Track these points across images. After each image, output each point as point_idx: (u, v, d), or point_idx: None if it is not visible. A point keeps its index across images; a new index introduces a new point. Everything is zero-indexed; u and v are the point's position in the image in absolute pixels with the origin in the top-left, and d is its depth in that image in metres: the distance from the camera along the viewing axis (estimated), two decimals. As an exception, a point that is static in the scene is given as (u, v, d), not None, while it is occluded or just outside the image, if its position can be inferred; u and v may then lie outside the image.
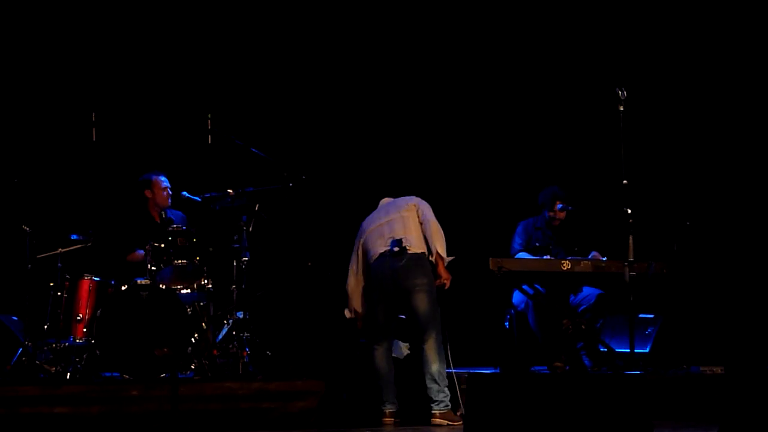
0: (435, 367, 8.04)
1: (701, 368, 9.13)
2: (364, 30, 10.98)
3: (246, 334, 8.86)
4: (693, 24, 10.80)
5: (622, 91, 7.63)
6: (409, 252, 8.14)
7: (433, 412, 8.06)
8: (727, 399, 7.86)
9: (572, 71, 10.94)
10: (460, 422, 7.93)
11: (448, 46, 11.13)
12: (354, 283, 8.46)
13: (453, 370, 8.67)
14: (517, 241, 9.63)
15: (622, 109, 7.49)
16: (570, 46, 11.02)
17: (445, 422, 8.00)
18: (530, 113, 11.09)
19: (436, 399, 8.06)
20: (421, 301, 8.10)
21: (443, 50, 11.13)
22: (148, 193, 9.37)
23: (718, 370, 9.07)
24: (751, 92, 10.64)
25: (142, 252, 8.98)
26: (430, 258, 8.19)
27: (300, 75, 10.91)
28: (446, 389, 8.06)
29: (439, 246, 8.14)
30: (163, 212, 9.18)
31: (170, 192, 9.33)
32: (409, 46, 11.07)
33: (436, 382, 8.04)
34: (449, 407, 8.05)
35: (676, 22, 10.86)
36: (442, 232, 8.19)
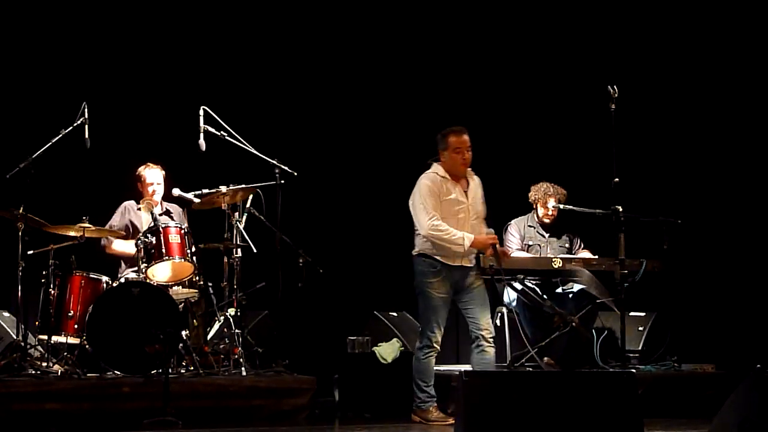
0: (413, 365, 8.17)
1: (692, 366, 9.26)
2: (358, 26, 10.98)
3: (237, 331, 8.83)
4: (684, 22, 10.79)
5: (614, 89, 7.63)
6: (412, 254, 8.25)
7: (413, 408, 8.16)
8: (719, 397, 7.82)
9: (564, 69, 10.92)
10: (437, 420, 7.99)
11: (442, 44, 11.13)
12: None
13: (444, 368, 8.69)
14: (513, 241, 9.64)
15: (613, 107, 7.49)
16: (562, 44, 11.02)
17: (418, 419, 8.09)
18: (521, 111, 11.08)
19: (414, 398, 8.17)
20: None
21: (437, 47, 11.12)
22: (139, 186, 9.40)
23: (709, 368, 9.19)
24: (743, 90, 10.61)
25: (122, 245, 9.01)
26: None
27: (292, 71, 10.90)
28: (420, 389, 8.10)
29: (437, 247, 8.06)
30: (155, 207, 9.21)
31: (159, 187, 9.33)
32: (402, 41, 11.06)
33: (413, 380, 8.15)
34: (423, 407, 8.08)
35: (667, 21, 10.85)
36: (429, 229, 8.02)
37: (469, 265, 8.12)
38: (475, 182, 8.30)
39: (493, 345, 8.05)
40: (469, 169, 8.24)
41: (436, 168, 8.18)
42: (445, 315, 8.08)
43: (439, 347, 8.07)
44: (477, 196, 8.27)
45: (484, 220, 8.31)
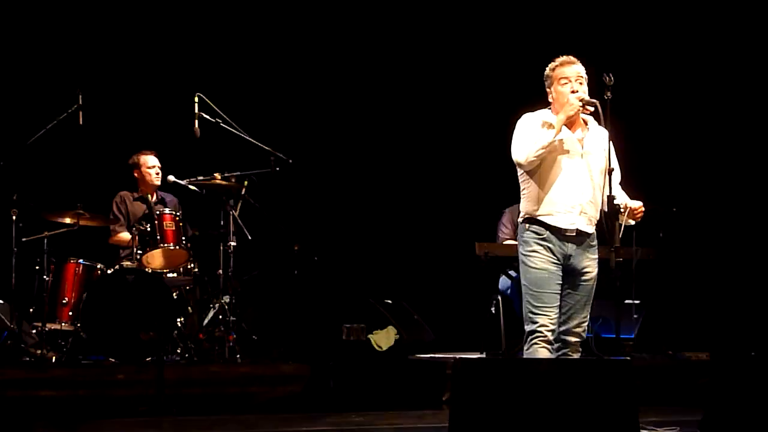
0: None
1: (686, 354, 9.26)
2: (353, 14, 10.92)
3: (232, 318, 8.86)
4: (677, 10, 10.76)
5: (610, 77, 7.62)
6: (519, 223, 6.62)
7: None
8: (712, 385, 7.68)
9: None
10: None
11: (436, 32, 11.06)
12: None
13: (440, 355, 8.69)
14: (503, 230, 9.52)
15: (609, 95, 7.47)
16: (556, 31, 10.94)
17: None
18: (516, 99, 11.01)
19: None
20: None
21: (431, 35, 11.05)
22: (136, 173, 9.37)
23: (703, 356, 9.18)
24: (735, 80, 10.62)
25: (127, 235, 8.98)
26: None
27: (287, 59, 10.85)
28: None
29: (546, 202, 6.42)
30: (154, 194, 9.28)
31: (159, 171, 9.32)
32: (398, 31, 11.00)
33: None
34: None
35: (660, 8, 10.82)
36: (530, 154, 6.39)
37: (588, 230, 6.42)
38: (598, 131, 6.54)
39: (579, 350, 6.56)
40: (592, 117, 6.58)
41: (542, 110, 6.60)
42: (554, 292, 6.36)
43: (550, 334, 6.36)
44: (600, 147, 6.49)
45: (618, 183, 6.62)
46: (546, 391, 5.43)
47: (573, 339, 6.48)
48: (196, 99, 8.87)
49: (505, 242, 9.26)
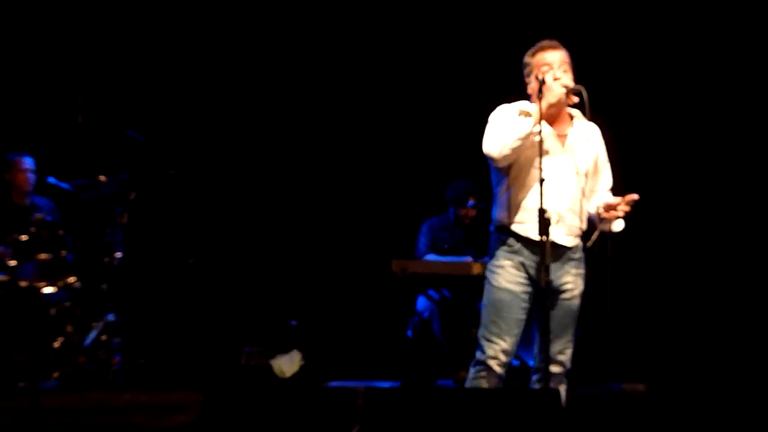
0: None
1: (622, 385, 8.99)
2: (244, 13, 10.39)
3: (117, 340, 8.56)
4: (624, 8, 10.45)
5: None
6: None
7: None
8: (649, 417, 7.60)
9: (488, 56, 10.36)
10: None
11: (361, 31, 10.50)
12: None
13: (350, 383, 8.56)
14: (423, 241, 9.21)
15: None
16: (498, 30, 10.44)
17: None
18: (435, 103, 10.51)
19: None
20: None
21: (348, 33, 10.49)
22: (7, 176, 9.03)
23: (639, 387, 8.96)
24: (679, 82, 10.29)
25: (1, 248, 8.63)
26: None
27: (180, 56, 10.34)
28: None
29: (518, 208, 5.93)
30: (27, 199, 8.94)
31: (33, 175, 9.00)
32: (310, 28, 10.43)
33: None
34: None
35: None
36: (500, 148, 5.81)
37: (565, 242, 5.92)
38: (585, 127, 5.99)
39: (563, 382, 6.05)
40: (578, 110, 6.00)
41: (520, 101, 6.06)
42: (516, 318, 5.88)
43: (500, 368, 5.94)
44: (587, 146, 5.98)
45: (608, 190, 6.13)
46: (466, 423, 5.28)
47: (555, 369, 5.98)
48: (80, 95, 8.69)
49: (424, 258, 8.94)
